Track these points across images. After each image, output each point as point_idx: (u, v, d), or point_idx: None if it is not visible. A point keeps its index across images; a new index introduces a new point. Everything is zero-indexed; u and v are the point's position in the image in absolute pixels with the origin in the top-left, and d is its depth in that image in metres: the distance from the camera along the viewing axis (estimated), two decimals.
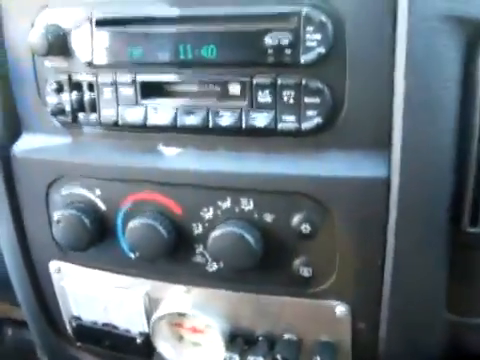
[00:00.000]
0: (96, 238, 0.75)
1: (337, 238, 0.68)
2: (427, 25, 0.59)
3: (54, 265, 0.82)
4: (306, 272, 0.70)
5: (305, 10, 0.62)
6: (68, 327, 0.87)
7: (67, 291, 0.83)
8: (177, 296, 0.77)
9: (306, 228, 0.67)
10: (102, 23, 0.69)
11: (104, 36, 0.69)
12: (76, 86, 0.73)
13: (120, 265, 0.78)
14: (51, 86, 0.73)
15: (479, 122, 0.61)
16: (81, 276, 0.81)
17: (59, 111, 0.74)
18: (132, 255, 0.73)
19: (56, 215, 0.75)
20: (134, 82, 0.69)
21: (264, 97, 0.65)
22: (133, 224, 0.71)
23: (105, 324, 0.84)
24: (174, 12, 0.66)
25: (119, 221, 0.75)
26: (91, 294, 0.82)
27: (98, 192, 0.75)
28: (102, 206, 0.75)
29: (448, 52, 0.59)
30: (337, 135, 0.65)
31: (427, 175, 0.63)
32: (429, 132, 0.61)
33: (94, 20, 0.69)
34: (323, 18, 0.61)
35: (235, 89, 0.67)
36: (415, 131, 0.61)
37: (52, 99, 0.74)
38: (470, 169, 0.63)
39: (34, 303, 0.88)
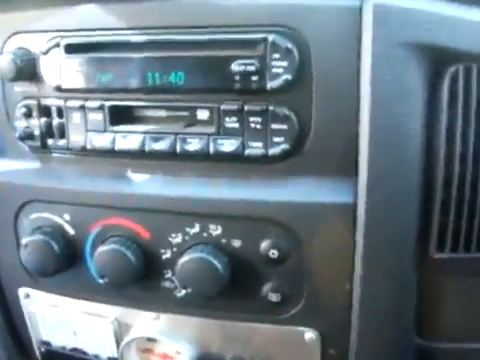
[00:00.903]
0: (64, 264, 0.74)
1: (305, 264, 0.67)
2: (391, 53, 0.59)
3: (23, 291, 0.81)
4: (274, 298, 0.69)
5: (271, 37, 0.62)
6: (37, 352, 0.86)
7: (36, 316, 0.82)
8: (146, 322, 0.77)
9: (274, 253, 0.67)
10: (71, 49, 0.69)
11: (73, 61, 0.69)
12: (45, 111, 0.72)
13: (89, 291, 0.77)
14: (20, 111, 0.73)
15: (444, 149, 0.62)
16: (50, 302, 0.80)
17: (27, 136, 0.73)
18: (101, 281, 0.72)
19: (24, 240, 0.74)
20: (102, 107, 0.69)
21: (231, 123, 0.66)
22: (101, 249, 0.71)
23: (74, 349, 0.83)
24: (142, 38, 0.66)
25: (88, 246, 0.74)
26: (60, 319, 0.81)
27: (67, 217, 0.74)
28: (71, 231, 0.74)
29: (413, 80, 0.60)
30: (304, 161, 0.66)
31: (393, 201, 0.63)
32: (394, 159, 0.62)
33: (63, 45, 0.69)
34: (289, 45, 0.62)
35: (203, 115, 0.67)
36: (380, 158, 0.61)
37: (21, 124, 0.73)
38: (436, 195, 0.63)
39: (2, 327, 0.86)
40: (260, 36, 0.63)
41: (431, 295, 0.69)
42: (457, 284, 0.68)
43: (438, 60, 0.60)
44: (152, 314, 0.76)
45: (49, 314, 0.81)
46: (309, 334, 0.71)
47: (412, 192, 0.63)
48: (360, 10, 0.60)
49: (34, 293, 0.81)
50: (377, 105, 0.60)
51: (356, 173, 0.64)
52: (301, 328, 0.71)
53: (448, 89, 0.60)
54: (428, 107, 0.61)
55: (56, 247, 0.73)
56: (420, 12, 0.59)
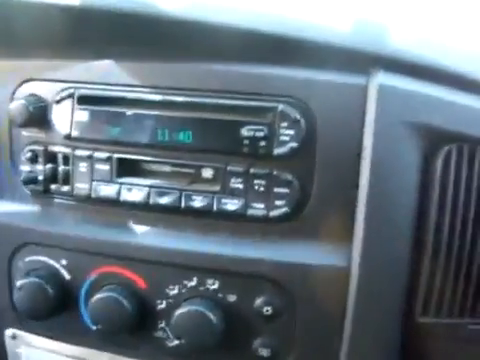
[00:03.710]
0: (58, 308, 0.75)
1: (297, 321, 0.70)
2: (392, 130, 0.64)
3: (10, 332, 0.81)
4: (265, 353, 0.71)
5: (281, 107, 0.66)
6: None
7: (21, 358, 0.82)
8: None
9: (268, 310, 0.70)
10: (84, 100, 0.71)
11: (85, 113, 0.71)
12: (51, 157, 0.74)
13: (79, 336, 0.78)
14: (26, 155, 0.75)
15: (434, 220, 0.66)
16: (37, 344, 0.81)
17: (31, 180, 0.74)
18: (94, 327, 0.73)
19: (19, 282, 0.74)
20: (110, 159, 0.72)
21: (236, 184, 0.69)
22: (97, 297, 0.72)
23: None
24: (155, 97, 0.69)
25: (83, 292, 0.75)
26: None
27: (64, 262, 0.75)
28: (67, 276, 0.75)
29: (410, 156, 0.64)
30: (303, 224, 0.69)
31: (385, 268, 0.66)
32: (388, 228, 0.65)
33: (77, 97, 0.71)
34: (297, 115, 0.66)
35: (208, 173, 0.70)
36: (375, 226, 0.65)
37: (25, 168, 0.75)
38: (424, 263, 0.67)
39: None
40: (270, 105, 0.66)
41: (416, 358, 0.72)
42: (441, 348, 0.72)
43: (434, 139, 0.64)
44: None
45: (35, 356, 0.81)
46: None
47: (402, 259, 0.67)
48: (365, 88, 0.65)
49: (21, 334, 0.81)
50: (375, 177, 0.64)
51: (351, 239, 0.67)
52: None
53: (441, 166, 0.65)
54: (422, 182, 0.65)
55: (51, 291, 0.74)
56: (420, 95, 0.64)
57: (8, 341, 0.82)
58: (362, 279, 0.66)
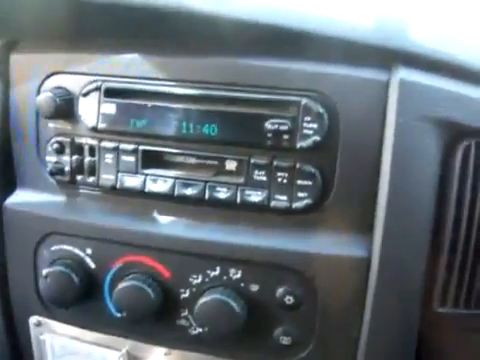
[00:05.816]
0: (82, 296, 0.76)
1: (318, 310, 0.72)
2: (413, 124, 0.65)
3: (34, 319, 0.83)
4: (286, 341, 0.74)
5: (304, 101, 0.67)
6: None
7: (46, 345, 0.84)
8: (157, 357, 0.80)
9: (289, 300, 0.71)
10: (111, 93, 0.73)
11: (111, 105, 0.73)
12: (77, 149, 0.76)
13: (103, 324, 0.80)
14: (52, 146, 0.76)
15: (453, 214, 0.68)
16: (61, 331, 0.83)
17: (57, 171, 0.76)
18: (118, 315, 0.75)
19: (44, 270, 0.76)
20: (136, 150, 0.73)
21: (259, 176, 0.70)
22: (122, 285, 0.74)
23: None
24: (181, 90, 0.71)
25: (107, 281, 0.77)
26: (70, 349, 0.83)
27: (89, 251, 0.77)
28: (92, 265, 0.77)
29: (430, 151, 0.66)
30: (324, 215, 0.70)
31: (404, 258, 0.68)
32: (408, 220, 0.67)
33: (103, 89, 0.73)
34: (320, 109, 0.67)
35: (232, 165, 0.72)
36: (395, 218, 0.67)
37: (51, 158, 0.77)
38: (443, 255, 0.69)
39: (7, 355, 0.88)
40: (294, 99, 0.68)
41: (432, 347, 0.74)
42: (457, 338, 0.74)
43: (453, 134, 0.66)
44: (164, 349, 0.79)
45: (59, 343, 0.83)
46: None
47: (421, 250, 0.68)
48: (387, 84, 0.66)
49: (45, 322, 0.83)
50: (396, 170, 0.66)
51: (371, 230, 0.69)
52: None
53: (460, 161, 0.67)
54: (441, 176, 0.67)
55: (76, 279, 0.75)
56: (440, 90, 0.65)
57: (32, 328, 0.84)
58: (382, 269, 0.68)
